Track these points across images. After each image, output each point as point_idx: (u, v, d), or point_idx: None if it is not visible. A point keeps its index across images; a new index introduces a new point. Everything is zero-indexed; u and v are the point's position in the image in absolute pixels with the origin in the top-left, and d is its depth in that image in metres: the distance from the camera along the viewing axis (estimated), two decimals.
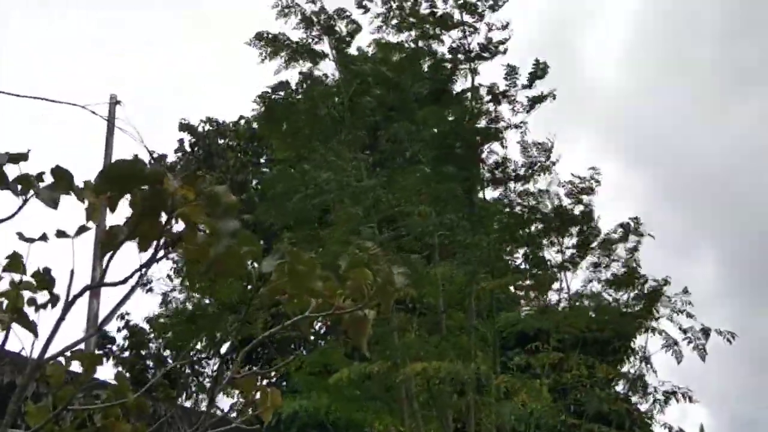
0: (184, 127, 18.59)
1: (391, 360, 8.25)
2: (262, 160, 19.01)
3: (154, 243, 1.95)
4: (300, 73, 11.28)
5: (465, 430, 9.55)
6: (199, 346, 17.45)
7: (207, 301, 17.84)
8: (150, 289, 18.20)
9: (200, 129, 18.99)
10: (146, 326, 17.90)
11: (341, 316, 2.57)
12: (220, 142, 18.80)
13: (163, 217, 2.01)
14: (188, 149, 18.64)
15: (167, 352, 17.52)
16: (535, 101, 10.17)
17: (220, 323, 17.56)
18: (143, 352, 17.28)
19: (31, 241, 2.65)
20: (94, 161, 15.35)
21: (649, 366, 9.88)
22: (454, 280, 9.21)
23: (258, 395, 2.30)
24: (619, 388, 11.55)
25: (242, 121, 19.07)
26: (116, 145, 16.08)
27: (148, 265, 2.00)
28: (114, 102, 19.94)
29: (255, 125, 18.71)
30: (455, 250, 9.68)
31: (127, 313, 17.58)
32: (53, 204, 1.89)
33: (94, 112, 5.07)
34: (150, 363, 17.09)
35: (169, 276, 18.20)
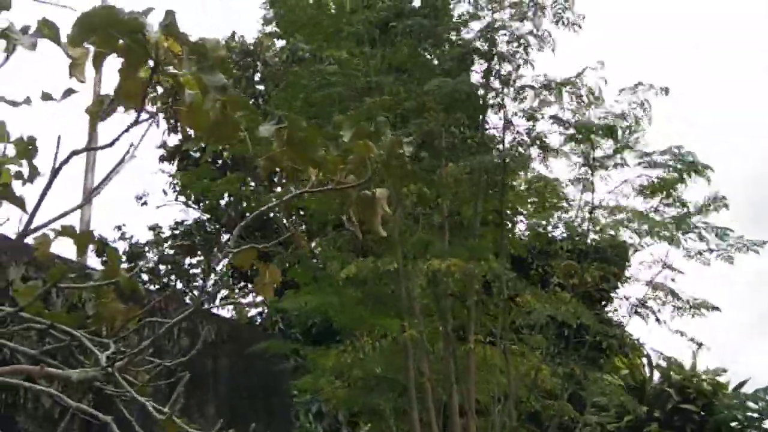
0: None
1: (403, 257, 8.28)
2: (256, 78, 18.70)
3: (141, 101, 1.85)
4: None
5: (465, 336, 9.68)
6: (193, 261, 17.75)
7: (205, 218, 18.06)
8: (145, 203, 18.39)
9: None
10: (149, 234, 18.12)
11: (347, 197, 2.49)
12: None
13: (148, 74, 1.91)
14: None
15: (162, 267, 17.80)
16: None
17: (217, 240, 17.73)
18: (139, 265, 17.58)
19: (14, 104, 2.54)
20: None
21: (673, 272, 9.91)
22: (463, 180, 9.15)
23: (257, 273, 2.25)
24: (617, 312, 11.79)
25: (236, 37, 18.69)
26: None
27: (134, 124, 1.91)
28: None
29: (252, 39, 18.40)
30: (465, 148, 9.59)
31: (123, 225, 17.82)
32: (32, 47, 1.78)
33: None
34: (145, 276, 17.36)
35: (164, 191, 18.31)
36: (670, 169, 9.62)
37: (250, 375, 11.59)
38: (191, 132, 2.17)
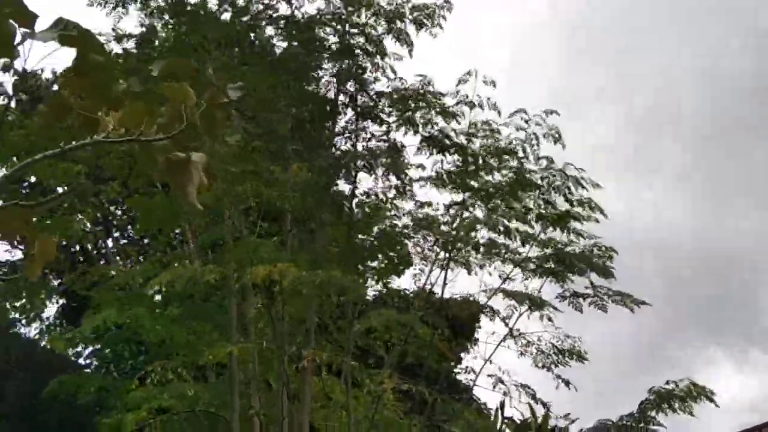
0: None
1: (232, 264, 7.93)
2: None
3: None
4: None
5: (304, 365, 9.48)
6: None
7: None
8: None
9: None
10: None
11: (155, 162, 2.22)
12: None
13: None
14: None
15: None
16: None
17: None
18: None
19: None
20: None
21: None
22: (308, 183, 8.97)
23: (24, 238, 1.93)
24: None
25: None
26: None
27: None
28: None
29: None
30: (310, 149, 9.46)
31: None
32: None
33: None
34: None
35: None
36: (571, 201, 9.95)
37: (48, 410, 10.81)
38: None
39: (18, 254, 15.49)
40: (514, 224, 10.00)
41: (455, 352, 12.28)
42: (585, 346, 10.21)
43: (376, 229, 10.27)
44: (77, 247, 15.24)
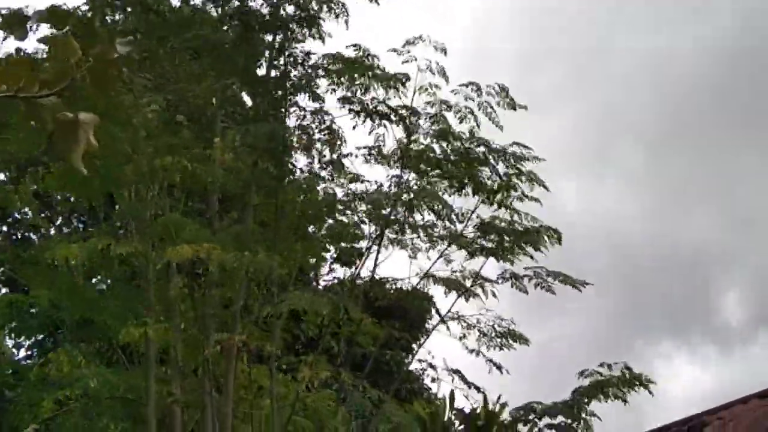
0: None
1: (148, 240, 7.72)
2: None
3: None
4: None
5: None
6: None
7: None
8: None
9: None
10: None
11: (44, 122, 2.08)
12: None
13: None
14: None
15: None
16: None
17: None
18: None
19: None
20: None
21: None
22: (236, 161, 8.78)
23: None
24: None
25: None
26: None
27: None
28: None
29: None
30: (238, 122, 9.28)
31: None
32: None
33: None
34: None
35: None
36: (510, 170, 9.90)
37: None
38: None
39: None
40: (450, 197, 9.95)
41: (408, 342, 12.29)
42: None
43: (327, 222, 10.15)
44: (18, 236, 15.10)
